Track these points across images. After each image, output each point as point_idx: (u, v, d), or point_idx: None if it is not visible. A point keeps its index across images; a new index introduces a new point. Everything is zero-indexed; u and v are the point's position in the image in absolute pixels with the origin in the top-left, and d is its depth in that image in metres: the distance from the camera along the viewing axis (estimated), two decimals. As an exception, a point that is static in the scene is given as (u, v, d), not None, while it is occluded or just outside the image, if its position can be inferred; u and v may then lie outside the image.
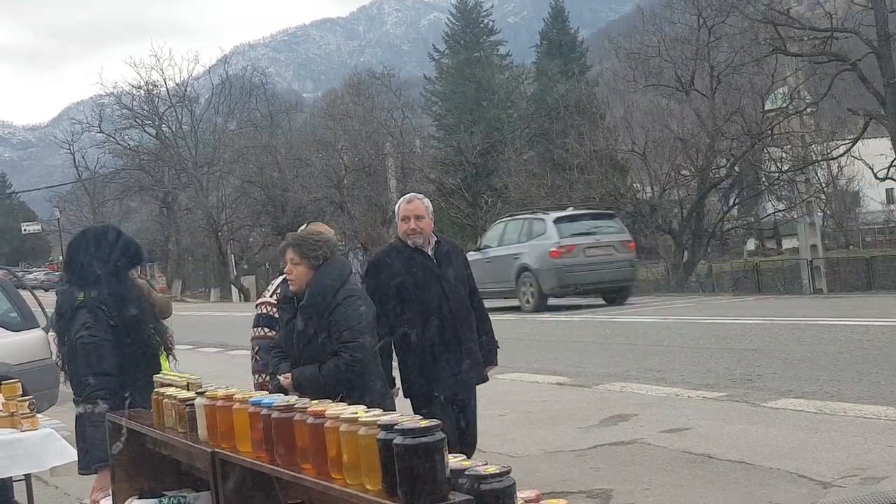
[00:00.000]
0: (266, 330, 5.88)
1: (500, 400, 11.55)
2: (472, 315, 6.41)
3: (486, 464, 2.40)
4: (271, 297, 5.94)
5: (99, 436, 4.49)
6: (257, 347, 5.92)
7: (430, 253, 6.27)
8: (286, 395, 4.58)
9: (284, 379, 5.31)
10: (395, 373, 6.37)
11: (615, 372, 13.09)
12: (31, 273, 71.61)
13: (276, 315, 5.69)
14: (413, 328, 6.11)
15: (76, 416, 4.88)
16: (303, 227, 6.24)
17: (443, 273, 6.25)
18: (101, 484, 4.56)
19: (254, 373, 5.94)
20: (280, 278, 5.83)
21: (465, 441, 6.33)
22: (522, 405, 11.14)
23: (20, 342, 11.25)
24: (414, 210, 6.23)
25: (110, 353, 4.79)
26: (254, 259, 61.45)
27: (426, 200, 6.39)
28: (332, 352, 5.26)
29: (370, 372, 5.42)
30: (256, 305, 6.10)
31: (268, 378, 5.53)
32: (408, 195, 6.52)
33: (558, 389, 12.14)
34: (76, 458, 5.17)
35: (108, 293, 4.87)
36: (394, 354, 6.30)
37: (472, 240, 47.89)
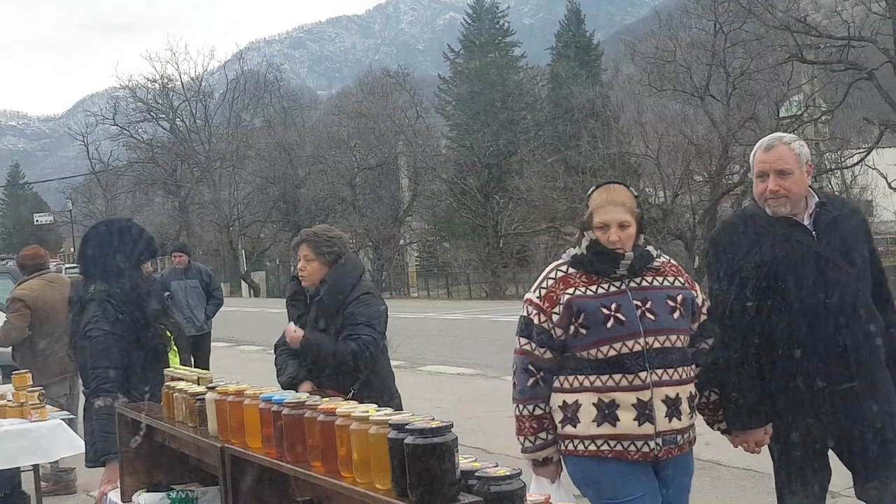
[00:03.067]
0: (526, 342, 3.91)
1: (508, 402, 11.51)
2: (872, 318, 4.07)
3: (497, 465, 2.40)
4: (534, 292, 3.94)
5: (108, 428, 4.49)
6: (514, 366, 3.98)
7: (806, 223, 4.11)
8: (296, 391, 4.61)
9: (294, 332, 5.27)
10: None
11: (624, 376, 13.04)
12: (42, 264, 71.59)
13: (536, 319, 3.87)
14: (775, 337, 4.04)
15: (88, 408, 4.88)
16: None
17: (825, 251, 4.03)
18: (110, 476, 4.56)
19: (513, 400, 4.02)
20: (551, 266, 4.00)
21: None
22: (530, 407, 11.11)
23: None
24: (775, 161, 4.11)
25: (116, 347, 4.79)
26: (264, 255, 61.59)
27: (797, 144, 4.21)
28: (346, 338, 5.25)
29: (384, 369, 5.43)
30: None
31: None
32: (766, 139, 4.30)
33: (567, 392, 12.09)
34: (84, 450, 5.18)
35: (119, 287, 4.88)
36: None
37: (485, 241, 47.95)
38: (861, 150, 34.92)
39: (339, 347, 5.18)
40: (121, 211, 62.13)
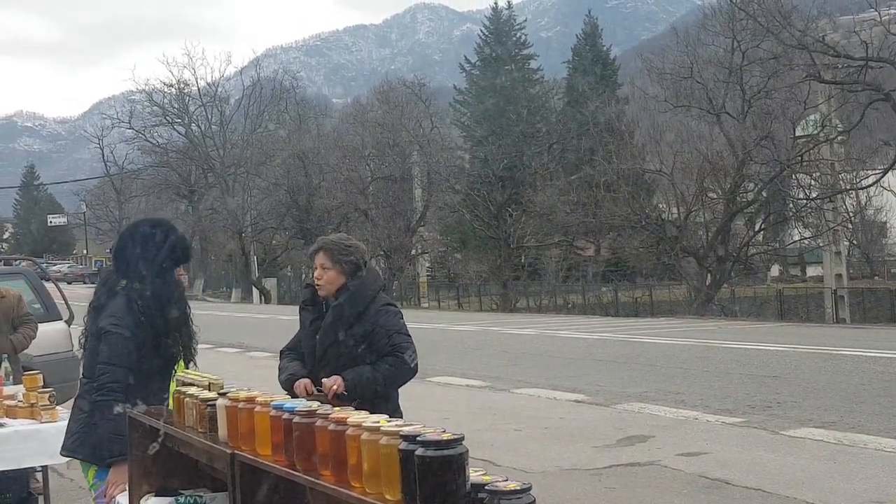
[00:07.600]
0: None
1: (516, 415, 11.52)
2: None
3: (507, 480, 2.38)
4: None
5: (115, 429, 4.48)
6: None
7: None
8: (304, 397, 4.56)
9: (334, 384, 5.02)
10: None
11: (634, 392, 13.03)
12: (54, 265, 71.98)
13: None
14: None
15: (82, 402, 4.87)
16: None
17: None
18: (117, 478, 4.55)
19: None
20: None
21: None
22: (539, 421, 11.10)
23: (42, 333, 11.24)
24: None
25: (130, 348, 4.77)
26: (276, 262, 61.65)
27: None
28: (382, 354, 5.17)
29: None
30: None
31: None
32: None
33: (576, 407, 12.09)
34: (68, 442, 5.14)
35: (148, 289, 4.87)
36: None
37: (497, 253, 47.94)
38: (877, 172, 34.85)
39: (384, 371, 5.11)
40: (134, 214, 62.36)
